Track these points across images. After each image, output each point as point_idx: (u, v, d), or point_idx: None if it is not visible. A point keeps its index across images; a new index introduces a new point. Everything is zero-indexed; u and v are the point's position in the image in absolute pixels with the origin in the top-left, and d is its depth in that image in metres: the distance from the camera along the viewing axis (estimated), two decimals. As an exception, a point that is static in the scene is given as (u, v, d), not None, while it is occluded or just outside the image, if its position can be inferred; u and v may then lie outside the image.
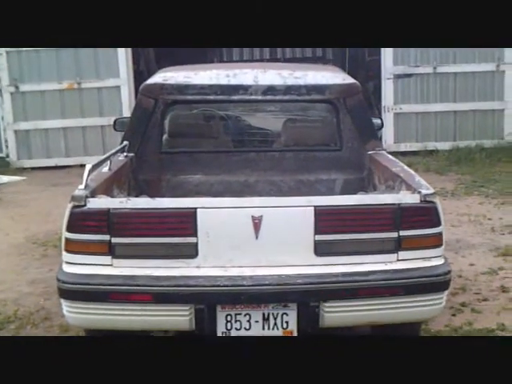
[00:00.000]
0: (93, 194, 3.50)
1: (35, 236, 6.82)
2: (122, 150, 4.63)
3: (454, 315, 4.65)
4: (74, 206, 3.39)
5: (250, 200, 3.52)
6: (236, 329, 3.39)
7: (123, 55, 10.47)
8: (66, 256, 3.47)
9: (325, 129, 5.12)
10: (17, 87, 10.60)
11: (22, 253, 6.33)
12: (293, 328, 3.40)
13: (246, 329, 3.40)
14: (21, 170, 10.50)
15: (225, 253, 3.40)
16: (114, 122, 5.53)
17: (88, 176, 3.54)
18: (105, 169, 4.10)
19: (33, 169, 10.60)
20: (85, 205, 3.38)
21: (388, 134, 10.63)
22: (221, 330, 3.39)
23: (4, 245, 6.60)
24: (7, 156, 10.85)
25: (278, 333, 3.40)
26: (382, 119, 5.57)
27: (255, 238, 3.37)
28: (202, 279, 3.33)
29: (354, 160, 4.83)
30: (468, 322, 4.53)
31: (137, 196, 4.45)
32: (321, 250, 3.40)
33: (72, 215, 3.40)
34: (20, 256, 6.24)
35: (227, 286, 3.31)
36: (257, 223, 3.36)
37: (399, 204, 3.42)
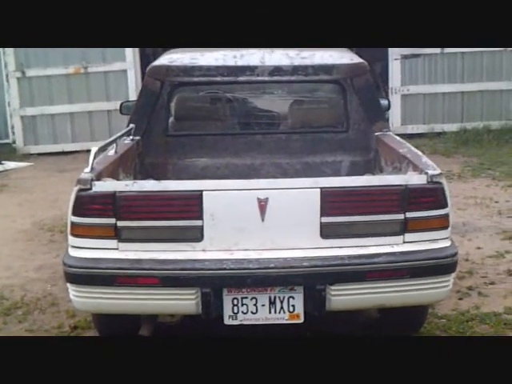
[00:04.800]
0: (99, 177, 3.48)
1: (42, 222, 6.83)
2: (128, 133, 4.61)
3: (460, 299, 4.64)
4: (80, 190, 3.38)
5: (255, 182, 3.50)
6: (243, 312, 3.39)
7: (129, 39, 10.42)
8: (71, 240, 3.46)
9: (332, 110, 5.08)
10: (23, 72, 10.55)
11: (29, 238, 6.34)
12: (299, 311, 3.40)
13: (252, 312, 3.39)
14: (27, 156, 10.50)
15: (230, 236, 3.38)
16: (120, 105, 5.49)
17: (94, 159, 3.53)
18: (111, 152, 4.10)
19: (39, 155, 10.58)
20: (90, 188, 3.37)
21: (395, 116, 10.58)
22: (227, 314, 3.39)
23: (11, 231, 6.61)
24: (14, 142, 10.82)
25: (285, 316, 3.40)
26: (389, 100, 5.53)
27: (261, 221, 3.35)
28: (208, 262, 3.32)
29: (361, 142, 4.80)
30: (475, 306, 4.52)
31: (143, 179, 4.44)
32: (327, 232, 3.39)
33: (78, 198, 3.38)
34: (27, 242, 6.25)
35: (233, 270, 3.30)
36: (263, 205, 3.34)
37: (406, 185, 3.39)
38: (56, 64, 10.49)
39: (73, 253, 3.46)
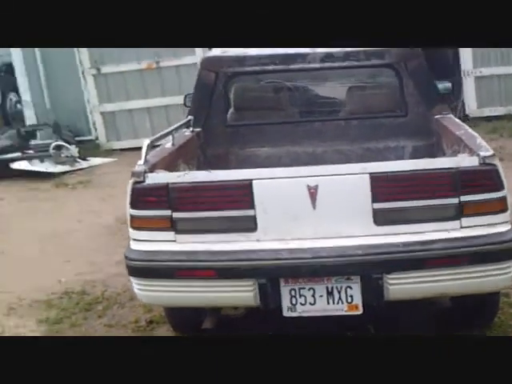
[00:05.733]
0: (153, 170, 3.56)
1: (124, 216, 6.95)
2: (187, 125, 4.70)
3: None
4: (135, 182, 3.47)
5: (304, 169, 3.49)
6: (301, 304, 3.40)
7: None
8: (132, 233, 3.58)
9: (389, 94, 5.02)
10: (98, 69, 10.74)
11: (113, 233, 6.51)
12: (358, 302, 3.39)
13: (310, 304, 3.40)
14: (111, 152, 10.65)
15: (283, 225, 3.39)
16: (185, 97, 5.47)
17: (147, 152, 3.61)
18: (168, 144, 4.20)
19: (122, 150, 10.65)
20: (144, 180, 3.45)
21: (470, 99, 10.29)
22: (286, 305, 3.41)
23: (96, 226, 6.83)
24: (97, 138, 11.05)
25: (343, 307, 3.40)
26: (453, 82, 5.46)
27: (312, 208, 3.35)
28: (263, 253, 3.35)
29: (421, 126, 4.74)
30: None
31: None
32: (380, 218, 3.36)
33: (133, 191, 3.49)
34: (110, 236, 6.42)
35: (288, 259, 3.31)
36: (313, 193, 3.34)
37: (457, 168, 3.33)
38: (129, 60, 10.59)
39: (134, 246, 3.56)
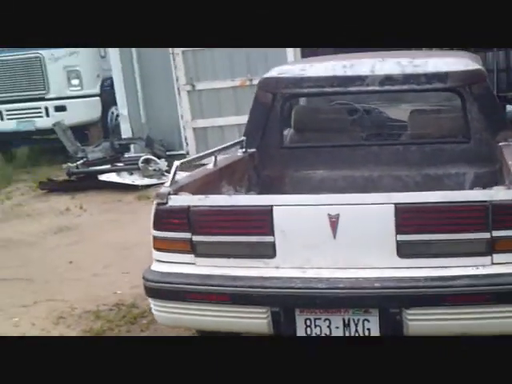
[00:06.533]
0: (180, 191, 3.52)
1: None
2: (239, 146, 4.65)
3: None
4: (158, 204, 3.45)
5: (325, 197, 3.37)
6: (316, 334, 3.27)
7: (291, 51, 10.40)
8: (154, 254, 3.56)
9: (451, 119, 4.80)
10: (193, 86, 10.94)
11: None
12: (375, 336, 3.22)
13: (326, 335, 3.26)
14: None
15: (302, 253, 3.28)
16: None
17: (175, 173, 3.56)
18: (209, 165, 4.13)
19: None
20: (167, 202, 3.42)
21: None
22: (300, 336, 3.29)
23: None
24: (187, 153, 11.17)
25: (360, 341, 3.24)
26: None
27: (333, 238, 3.22)
28: (277, 281, 3.25)
29: (484, 152, 4.48)
30: None
31: (261, 193, 4.45)
32: (404, 251, 3.19)
33: (156, 212, 3.47)
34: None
35: (302, 289, 3.20)
36: (334, 222, 3.21)
37: (491, 201, 3.10)
38: (223, 77, 10.76)
39: (154, 267, 3.55)
